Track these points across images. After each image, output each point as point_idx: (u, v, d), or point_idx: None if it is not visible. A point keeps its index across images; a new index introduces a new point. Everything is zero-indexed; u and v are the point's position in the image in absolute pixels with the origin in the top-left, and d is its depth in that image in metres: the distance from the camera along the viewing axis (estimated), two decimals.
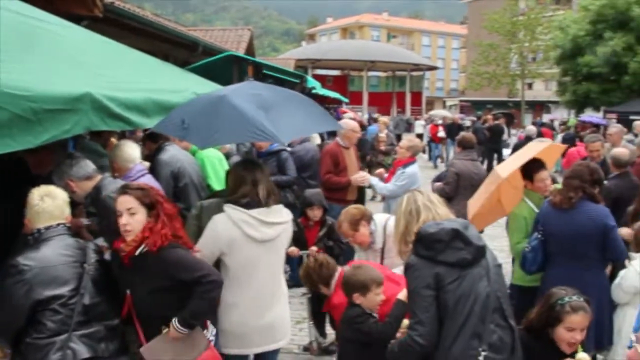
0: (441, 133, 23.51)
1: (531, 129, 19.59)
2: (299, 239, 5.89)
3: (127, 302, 3.46)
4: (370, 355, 3.78)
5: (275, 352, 4.32)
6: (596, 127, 25.82)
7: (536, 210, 5.14)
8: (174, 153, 5.83)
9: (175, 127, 3.99)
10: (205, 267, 3.51)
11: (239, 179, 4.08)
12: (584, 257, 4.74)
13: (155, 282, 3.41)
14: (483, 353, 2.92)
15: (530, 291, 5.27)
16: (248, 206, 3.97)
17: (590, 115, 30.22)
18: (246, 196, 4.00)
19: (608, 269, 5.06)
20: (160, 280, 3.41)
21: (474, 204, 5.83)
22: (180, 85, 4.88)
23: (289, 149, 7.83)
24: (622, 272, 4.81)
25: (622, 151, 7.13)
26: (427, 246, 3.07)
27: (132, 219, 3.40)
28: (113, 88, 3.59)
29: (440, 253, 3.03)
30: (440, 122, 25.18)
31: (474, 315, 2.95)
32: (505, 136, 22.15)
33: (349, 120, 9.15)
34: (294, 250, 4.82)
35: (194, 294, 3.39)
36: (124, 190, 3.51)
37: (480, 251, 3.09)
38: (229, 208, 3.96)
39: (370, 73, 55.10)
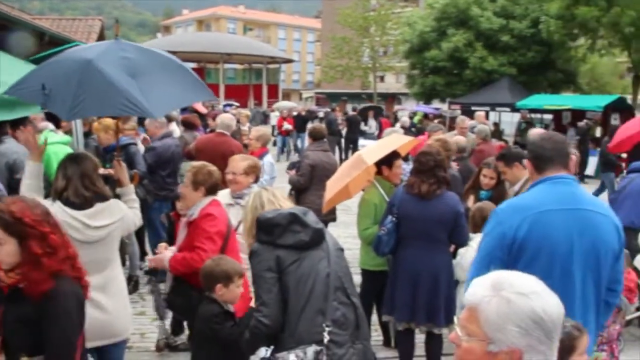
0: (286, 125, 23.20)
1: (405, 120, 20.42)
2: (170, 234, 5.73)
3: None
4: (224, 351, 3.83)
5: (118, 348, 4.22)
6: (441, 117, 27.44)
7: (387, 198, 5.40)
8: (10, 145, 5.62)
9: (33, 93, 3.68)
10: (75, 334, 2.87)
11: (57, 175, 3.98)
12: (436, 240, 5.04)
13: (26, 314, 2.79)
14: (327, 329, 3.06)
15: (376, 275, 5.64)
16: (75, 206, 3.86)
17: (419, 105, 32.12)
18: (61, 192, 3.88)
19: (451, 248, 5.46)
20: (31, 314, 2.80)
21: (333, 185, 5.98)
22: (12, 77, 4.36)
23: (140, 143, 7.66)
24: (461, 251, 5.24)
25: (461, 138, 7.89)
26: (266, 231, 3.22)
27: None
28: None
29: (279, 237, 3.18)
30: (287, 114, 24.58)
31: (316, 293, 3.12)
32: (366, 127, 22.72)
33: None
34: (161, 246, 4.80)
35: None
36: None
37: (319, 234, 3.27)
38: (56, 207, 3.79)
39: (227, 65, 54.59)
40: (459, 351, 1.77)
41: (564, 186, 3.16)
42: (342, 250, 3.43)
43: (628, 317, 5.96)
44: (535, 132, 3.12)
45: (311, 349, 3.03)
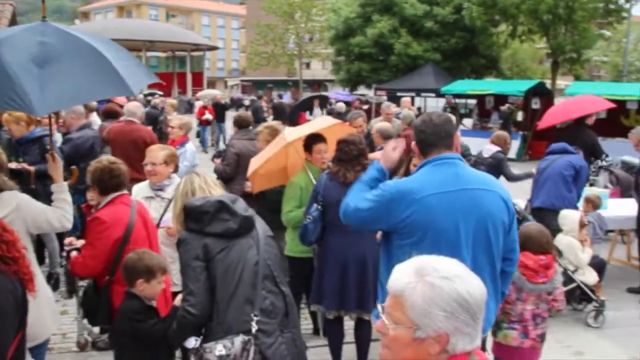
0: (207, 115, 21.90)
1: (341, 105, 20.34)
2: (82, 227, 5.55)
3: None
4: (147, 350, 3.69)
5: (38, 352, 3.98)
6: (367, 103, 27.59)
7: (314, 181, 5.29)
8: None
9: None
10: None
11: None
12: None
13: None
14: (255, 318, 3.03)
15: (302, 262, 5.55)
16: None
17: (336, 92, 32.32)
18: None
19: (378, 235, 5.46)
20: None
21: (255, 162, 5.93)
22: None
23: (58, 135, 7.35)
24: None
25: (386, 124, 7.80)
26: (195, 219, 3.13)
27: None
28: None
29: (207, 225, 3.11)
30: (208, 103, 23.23)
31: (244, 282, 3.07)
32: (311, 117, 22.14)
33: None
34: (68, 240, 4.54)
35: None
36: None
37: (247, 221, 3.21)
38: None
39: (150, 53, 53.47)
40: (386, 339, 1.76)
41: (447, 167, 3.23)
42: (272, 237, 3.38)
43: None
44: (421, 117, 3.18)
45: (239, 339, 2.99)
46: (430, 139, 3.27)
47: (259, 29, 50.03)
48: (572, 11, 26.86)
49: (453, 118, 3.56)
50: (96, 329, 5.13)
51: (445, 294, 1.66)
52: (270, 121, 7.71)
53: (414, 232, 3.16)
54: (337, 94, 33.14)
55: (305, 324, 5.97)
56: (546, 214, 6.97)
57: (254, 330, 3.01)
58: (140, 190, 5.09)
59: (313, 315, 5.96)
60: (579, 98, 12.78)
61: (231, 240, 3.13)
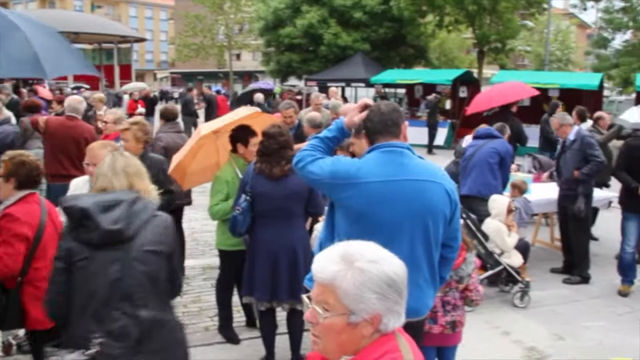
0: (140, 109, 20.32)
1: (259, 95, 20.11)
2: None
3: None
4: None
5: None
6: (299, 93, 27.58)
7: (240, 175, 5.25)
8: None
9: None
10: None
11: None
12: (292, 215, 4.97)
13: None
14: (99, 339, 2.83)
15: (233, 255, 5.49)
16: None
17: (263, 82, 32.27)
18: None
19: (307, 224, 5.44)
20: None
21: (176, 158, 5.87)
22: None
23: None
24: (317, 226, 5.21)
25: (315, 114, 7.89)
26: (67, 218, 2.98)
27: None
28: None
29: (73, 229, 2.93)
30: (138, 97, 22.04)
31: (98, 298, 2.88)
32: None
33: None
34: None
35: None
36: None
37: (112, 236, 2.91)
38: None
39: (75, 46, 51.88)
40: (317, 328, 1.79)
41: (393, 155, 3.26)
42: (155, 252, 3.05)
43: (482, 277, 6.23)
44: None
45: (71, 356, 2.82)
46: (377, 127, 3.31)
47: (187, 20, 49.16)
48: (496, 2, 27.61)
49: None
50: (22, 332, 4.97)
51: (375, 276, 1.71)
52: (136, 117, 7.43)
53: (352, 213, 3.23)
54: (262, 83, 32.85)
55: (238, 316, 5.95)
56: (473, 202, 7.13)
57: (93, 350, 2.81)
58: (78, 186, 4.93)
59: (246, 307, 5.93)
60: (505, 85, 13.18)
61: (94, 250, 2.90)
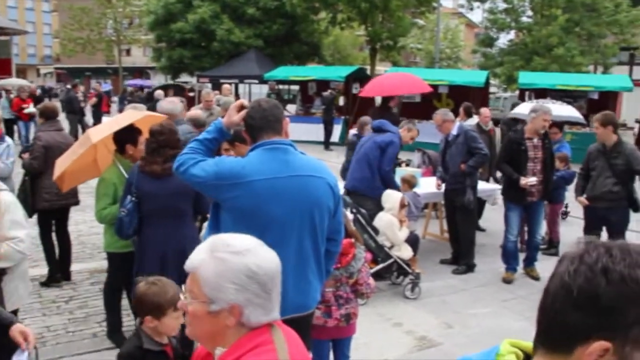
0: (30, 108, 18.65)
1: (159, 92, 19.67)
2: None
3: None
4: None
5: None
6: (192, 90, 27.11)
7: (126, 175, 5.10)
8: None
9: None
10: None
11: None
12: (181, 215, 4.88)
13: None
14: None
15: (122, 257, 5.32)
16: None
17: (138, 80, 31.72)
18: None
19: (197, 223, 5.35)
20: None
21: (61, 164, 5.64)
22: None
23: None
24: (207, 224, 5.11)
25: (197, 112, 7.81)
26: None
27: None
28: None
29: None
30: (25, 95, 19.69)
31: None
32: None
33: None
34: None
35: None
36: None
37: None
38: None
39: None
40: (188, 316, 1.82)
41: (277, 152, 3.29)
42: None
43: (373, 270, 6.31)
44: (250, 103, 3.21)
45: None
46: (258, 124, 3.31)
47: (72, 12, 47.23)
48: (388, 0, 28.16)
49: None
50: None
51: (234, 267, 1.73)
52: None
53: (238, 212, 3.22)
54: (136, 81, 32.07)
55: (127, 320, 5.75)
56: (354, 197, 7.18)
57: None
58: None
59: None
60: (400, 75, 13.45)
61: None
